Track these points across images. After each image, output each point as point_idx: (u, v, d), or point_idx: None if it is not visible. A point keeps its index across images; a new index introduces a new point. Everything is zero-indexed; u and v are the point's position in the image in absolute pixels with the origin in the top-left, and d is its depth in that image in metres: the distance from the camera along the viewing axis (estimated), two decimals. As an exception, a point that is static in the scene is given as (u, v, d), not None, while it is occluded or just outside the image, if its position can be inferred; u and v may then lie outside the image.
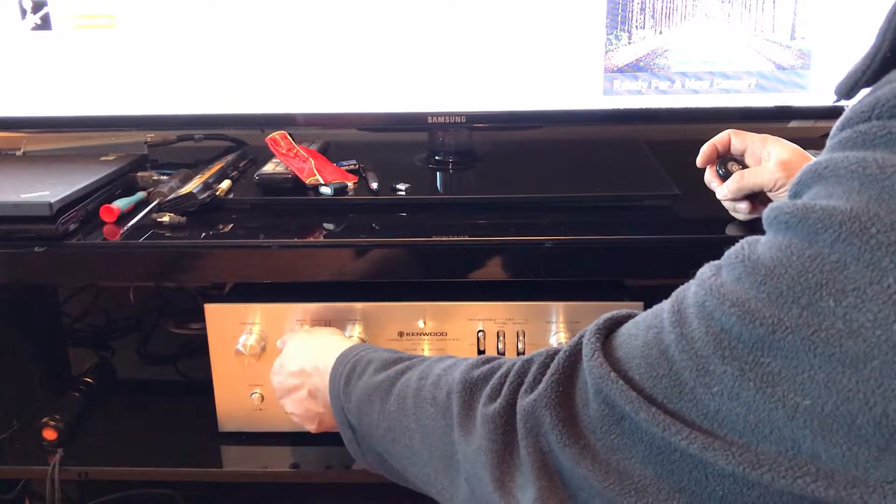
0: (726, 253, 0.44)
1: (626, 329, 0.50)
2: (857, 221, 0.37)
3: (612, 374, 0.46)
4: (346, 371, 0.67)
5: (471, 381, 0.56)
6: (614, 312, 0.52)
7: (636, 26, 0.91)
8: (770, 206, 0.43)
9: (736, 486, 0.41)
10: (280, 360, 0.79)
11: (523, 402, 0.51)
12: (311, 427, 0.77)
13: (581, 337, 0.51)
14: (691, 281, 0.46)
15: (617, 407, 0.46)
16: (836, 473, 0.37)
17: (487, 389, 0.55)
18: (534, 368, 0.53)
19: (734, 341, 0.41)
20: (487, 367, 0.57)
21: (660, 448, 0.43)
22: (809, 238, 0.39)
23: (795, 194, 0.43)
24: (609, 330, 0.51)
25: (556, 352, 0.52)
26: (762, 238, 0.43)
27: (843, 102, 0.46)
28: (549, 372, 0.51)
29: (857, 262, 0.37)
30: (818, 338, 0.37)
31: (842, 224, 0.38)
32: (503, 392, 0.53)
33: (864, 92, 0.43)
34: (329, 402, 0.70)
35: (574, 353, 0.51)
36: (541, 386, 0.50)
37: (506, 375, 0.54)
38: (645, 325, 0.48)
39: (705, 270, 0.45)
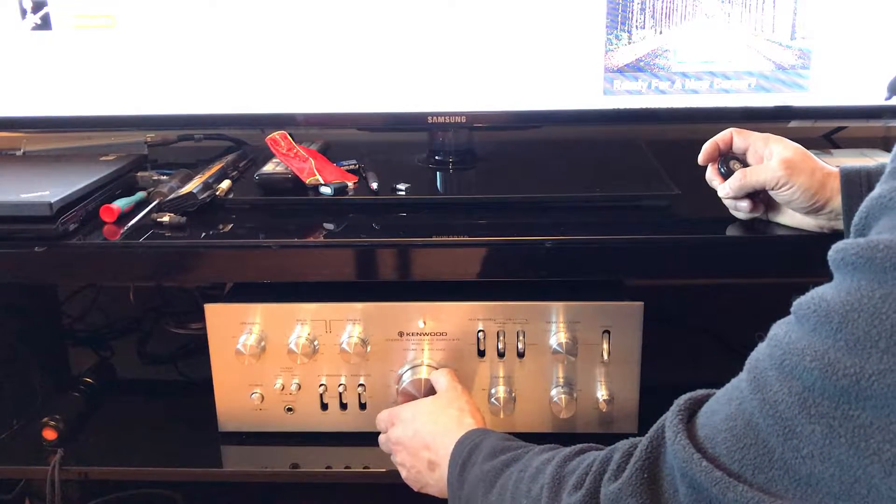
0: (795, 304, 0.43)
1: (706, 407, 0.48)
2: None
3: (696, 455, 0.45)
4: (462, 460, 0.69)
5: (560, 474, 0.56)
6: (693, 393, 0.51)
7: (636, 26, 0.91)
8: (835, 246, 0.41)
9: None
10: (413, 425, 0.78)
11: (607, 490, 0.50)
12: (414, 486, 0.78)
13: (663, 421, 0.50)
14: (761, 344, 0.45)
15: (704, 490, 0.44)
16: None
17: (573, 479, 0.54)
18: (617, 456, 0.52)
19: (818, 398, 0.39)
20: (578, 459, 0.57)
21: None
22: (878, 278, 0.37)
23: (862, 229, 0.41)
24: (690, 411, 0.49)
25: (640, 440, 0.51)
26: (831, 283, 0.41)
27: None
28: (634, 459, 0.50)
29: None
30: None
31: None
32: (586, 481, 0.53)
33: None
34: (442, 478, 0.71)
35: (657, 438, 0.50)
36: (625, 474, 0.49)
37: (591, 465, 0.54)
38: (725, 398, 0.46)
39: (777, 330, 0.44)
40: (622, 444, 0.53)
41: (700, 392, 0.51)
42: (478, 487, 0.65)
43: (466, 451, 0.69)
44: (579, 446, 0.60)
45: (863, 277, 0.38)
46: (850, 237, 0.43)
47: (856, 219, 0.42)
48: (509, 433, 0.88)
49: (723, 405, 0.46)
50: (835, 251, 0.41)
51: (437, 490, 0.75)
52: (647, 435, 0.50)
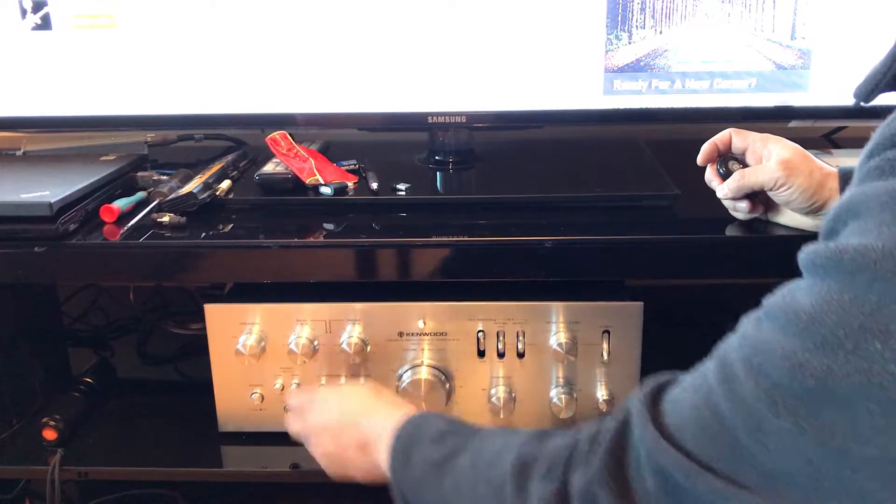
0: (765, 303, 0.43)
1: (673, 394, 0.48)
2: (892, 258, 0.36)
3: (664, 442, 0.45)
4: (406, 440, 0.66)
5: (523, 460, 0.55)
6: (657, 377, 0.51)
7: (636, 26, 0.91)
8: (804, 248, 0.42)
9: None
10: (339, 406, 0.75)
11: (577, 481, 0.50)
12: (335, 472, 0.74)
13: (628, 405, 0.50)
14: (731, 336, 0.45)
15: (672, 478, 0.44)
16: None
17: (540, 469, 0.53)
18: (583, 445, 0.51)
19: (786, 395, 0.39)
20: (539, 443, 0.56)
21: None
22: (846, 281, 0.38)
23: (831, 231, 0.42)
24: (655, 395, 0.49)
25: (605, 423, 0.51)
26: (801, 284, 0.42)
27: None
28: (600, 447, 0.49)
29: None
30: (871, 383, 0.36)
31: (876, 263, 0.37)
32: (555, 471, 0.52)
33: (885, 96, 0.42)
34: (373, 461, 0.68)
35: (623, 424, 0.49)
36: (593, 463, 0.49)
37: (557, 451, 0.53)
38: (692, 387, 0.47)
39: (747, 325, 0.44)
40: (587, 430, 0.52)
41: (665, 376, 0.51)
42: (428, 474, 0.62)
43: (410, 431, 0.66)
44: (536, 431, 0.58)
45: (832, 280, 0.39)
46: (819, 240, 0.43)
47: (824, 221, 0.43)
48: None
49: (689, 393, 0.46)
50: (805, 253, 0.42)
51: (362, 473, 0.71)
52: (612, 419, 0.50)
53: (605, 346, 0.85)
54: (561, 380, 0.87)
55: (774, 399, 0.40)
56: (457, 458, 0.61)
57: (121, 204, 0.87)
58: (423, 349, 0.87)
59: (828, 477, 0.38)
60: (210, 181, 0.92)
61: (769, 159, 0.76)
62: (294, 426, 0.78)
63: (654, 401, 0.49)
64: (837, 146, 1.09)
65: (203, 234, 0.83)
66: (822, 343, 0.38)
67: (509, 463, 0.56)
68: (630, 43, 0.92)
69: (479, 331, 0.86)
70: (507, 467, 0.56)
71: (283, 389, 0.89)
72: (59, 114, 0.98)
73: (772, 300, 0.43)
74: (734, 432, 0.42)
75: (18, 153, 1.06)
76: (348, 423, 0.72)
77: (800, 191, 0.74)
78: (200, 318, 0.88)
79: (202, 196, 0.88)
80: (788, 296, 0.42)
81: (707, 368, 0.46)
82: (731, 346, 0.45)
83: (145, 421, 0.98)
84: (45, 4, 0.93)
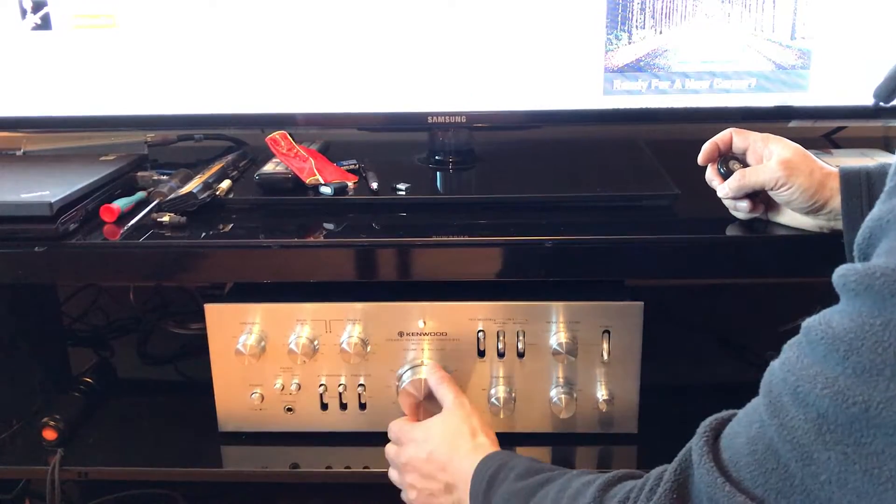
0: (805, 328, 0.43)
1: (729, 428, 0.49)
2: None
3: (720, 479, 0.46)
4: (489, 477, 0.68)
5: (602, 498, 0.56)
6: (718, 415, 0.52)
7: (636, 26, 0.91)
8: (838, 270, 0.42)
9: None
10: (427, 446, 0.77)
11: None
12: None
13: (691, 442, 0.51)
14: (774, 365, 0.46)
15: None
16: None
17: (616, 499, 0.55)
18: (650, 481, 0.53)
19: (832, 425, 0.40)
20: (619, 485, 0.57)
21: None
22: (878, 305, 0.38)
23: (866, 248, 0.42)
24: (715, 431, 0.50)
25: (673, 462, 0.52)
26: (838, 306, 0.42)
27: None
28: (663, 481, 0.50)
29: None
30: None
31: None
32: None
33: None
34: (460, 500, 0.71)
35: (685, 461, 0.50)
36: (656, 496, 0.50)
37: (630, 491, 0.55)
38: (746, 420, 0.47)
39: (789, 353, 0.44)
40: (656, 470, 0.54)
41: (725, 413, 0.52)
42: (510, 503, 0.64)
43: (494, 469, 0.68)
44: (619, 472, 0.60)
45: (863, 304, 0.39)
46: (854, 259, 0.43)
47: (859, 238, 0.43)
48: (509, 433, 0.89)
49: (744, 427, 0.47)
50: (837, 275, 0.42)
51: None
52: (676, 457, 0.51)
53: (605, 346, 0.85)
54: (561, 380, 0.87)
55: (822, 429, 0.40)
56: (540, 491, 0.63)
57: (121, 204, 0.87)
58: (423, 349, 0.87)
59: None
60: (210, 181, 0.92)
61: (770, 159, 0.76)
62: (389, 451, 0.82)
63: (716, 436, 0.50)
64: (837, 146, 1.09)
65: (203, 234, 0.83)
66: (862, 370, 0.38)
67: (589, 496, 0.57)
68: (630, 43, 0.92)
69: (479, 331, 0.86)
70: (588, 501, 0.57)
71: (282, 389, 0.89)
72: (59, 114, 0.98)
73: (810, 325, 0.43)
74: (788, 465, 0.42)
75: (18, 153, 1.06)
76: (436, 467, 0.75)
77: (800, 190, 0.74)
78: (200, 318, 0.88)
79: (202, 196, 0.88)
80: (825, 322, 0.42)
81: (757, 401, 0.46)
82: (775, 375, 0.45)
83: (145, 421, 0.98)
84: (45, 4, 0.93)
